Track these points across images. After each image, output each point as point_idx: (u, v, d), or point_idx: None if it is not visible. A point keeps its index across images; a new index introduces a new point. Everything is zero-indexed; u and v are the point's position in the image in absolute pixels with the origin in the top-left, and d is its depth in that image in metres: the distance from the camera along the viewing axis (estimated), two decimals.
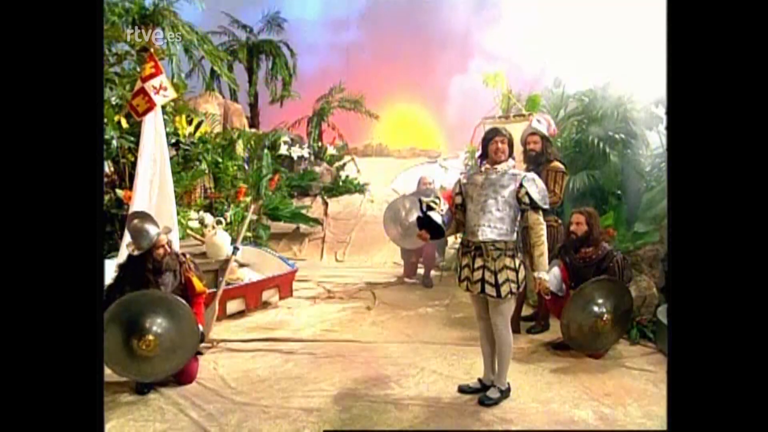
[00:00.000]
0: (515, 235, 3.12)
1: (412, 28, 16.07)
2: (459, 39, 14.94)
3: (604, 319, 3.76)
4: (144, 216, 3.64)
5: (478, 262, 3.15)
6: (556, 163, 4.38)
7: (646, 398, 3.34)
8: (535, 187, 3.11)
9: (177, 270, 3.58)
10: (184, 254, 3.80)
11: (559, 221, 4.51)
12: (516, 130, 4.84)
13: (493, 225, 3.10)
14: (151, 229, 3.49)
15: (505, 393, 3.29)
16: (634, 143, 5.35)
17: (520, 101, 6.24)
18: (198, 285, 3.67)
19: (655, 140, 5.43)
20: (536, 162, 4.42)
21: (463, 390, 3.41)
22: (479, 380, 3.44)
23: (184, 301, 3.40)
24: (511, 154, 3.19)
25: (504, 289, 3.09)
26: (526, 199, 3.08)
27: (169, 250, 3.56)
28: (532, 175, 3.19)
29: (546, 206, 3.15)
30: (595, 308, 3.78)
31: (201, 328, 3.51)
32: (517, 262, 3.13)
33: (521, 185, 3.09)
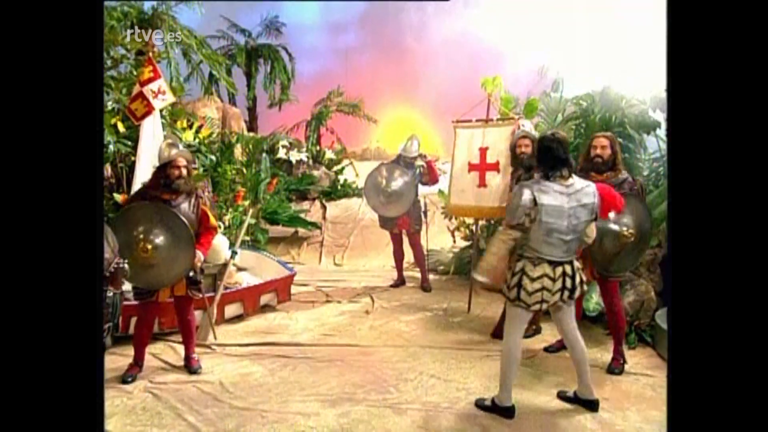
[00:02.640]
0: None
1: (410, 32, 16.11)
2: (458, 42, 14.98)
3: (627, 233, 3.56)
4: (171, 139, 3.92)
5: None
6: None
7: (644, 403, 3.35)
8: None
9: (191, 199, 3.69)
10: (203, 190, 3.92)
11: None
12: (497, 134, 4.88)
13: None
14: (173, 150, 3.70)
15: (499, 410, 3.16)
16: (632, 147, 5.36)
17: (519, 105, 6.25)
18: (212, 220, 3.86)
19: (653, 144, 5.44)
20: (530, 165, 4.37)
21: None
22: None
23: (177, 213, 3.54)
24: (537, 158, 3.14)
25: (509, 293, 3.06)
26: None
27: (184, 174, 3.66)
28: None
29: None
30: (623, 221, 3.57)
31: (203, 256, 3.71)
32: (518, 265, 3.03)
33: None
